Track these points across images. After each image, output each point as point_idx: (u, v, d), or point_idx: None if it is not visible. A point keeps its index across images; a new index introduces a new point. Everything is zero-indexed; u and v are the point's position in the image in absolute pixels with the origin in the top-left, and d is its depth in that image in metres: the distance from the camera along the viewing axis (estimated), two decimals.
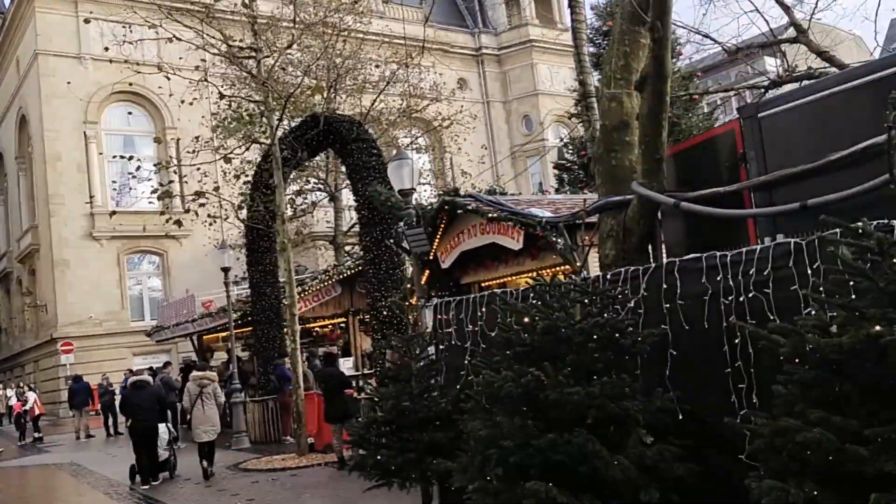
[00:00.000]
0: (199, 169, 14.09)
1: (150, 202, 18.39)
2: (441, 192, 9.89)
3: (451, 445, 6.18)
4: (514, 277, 10.00)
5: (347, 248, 28.60)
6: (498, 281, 10.19)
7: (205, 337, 23.29)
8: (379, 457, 6.10)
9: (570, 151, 29.85)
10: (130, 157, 13.94)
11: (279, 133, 13.55)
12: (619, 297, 4.96)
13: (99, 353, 31.45)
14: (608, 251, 6.66)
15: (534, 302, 4.90)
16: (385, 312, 12.23)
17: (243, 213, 15.35)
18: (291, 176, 15.99)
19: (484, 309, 6.62)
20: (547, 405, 4.35)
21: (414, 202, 10.07)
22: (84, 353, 31.20)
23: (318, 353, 18.53)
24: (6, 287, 42.49)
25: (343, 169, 27.56)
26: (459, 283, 10.89)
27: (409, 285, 11.94)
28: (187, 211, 13.78)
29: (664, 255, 6.73)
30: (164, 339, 25.05)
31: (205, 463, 11.87)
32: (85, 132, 34.37)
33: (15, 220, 39.97)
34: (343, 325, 21.42)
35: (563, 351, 4.63)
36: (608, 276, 5.45)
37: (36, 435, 21.54)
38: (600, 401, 4.29)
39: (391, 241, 9.94)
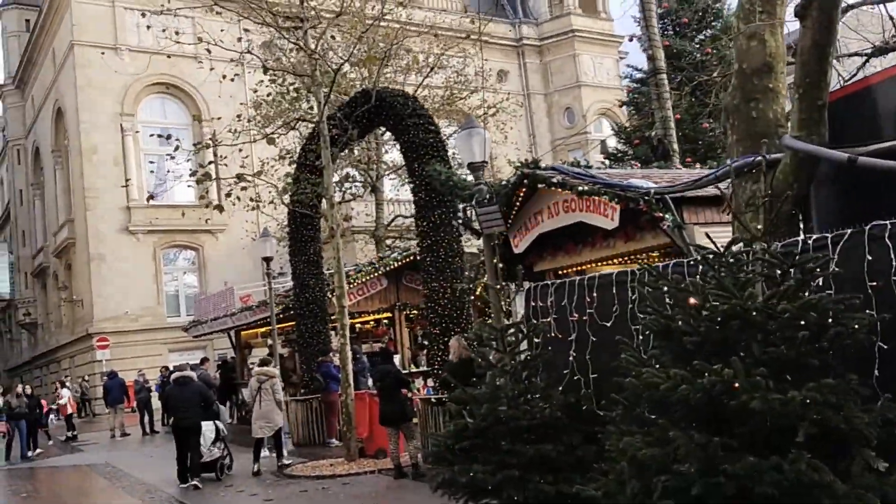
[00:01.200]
0: (240, 150, 13.06)
1: (188, 185, 17.22)
2: (519, 165, 8.67)
3: (561, 461, 5.01)
4: (599, 264, 8.75)
5: (388, 241, 27.59)
6: (580, 267, 8.96)
7: (243, 332, 22.36)
8: (472, 473, 4.93)
9: (622, 140, 28.53)
10: (168, 136, 12.94)
11: (326, 111, 12.48)
12: (821, 269, 3.70)
13: (134, 349, 30.88)
14: (748, 223, 5.41)
15: (708, 278, 3.67)
16: (445, 304, 11.08)
17: (287, 199, 14.30)
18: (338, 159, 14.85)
19: (595, 294, 5.43)
20: (740, 416, 3.14)
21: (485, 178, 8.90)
22: (120, 349, 30.62)
23: (360, 350, 17.51)
24: (42, 282, 42.25)
25: (385, 160, 26.78)
26: (532, 270, 9.68)
27: (470, 273, 10.76)
28: (228, 195, 12.77)
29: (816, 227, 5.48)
30: (201, 334, 24.15)
31: (261, 459, 11.94)
32: (121, 124, 33.86)
33: (51, 215, 39.65)
34: (388, 320, 20.34)
35: (748, 342, 3.42)
36: (779, 248, 4.21)
37: (69, 434, 20.78)
38: (819, 411, 3.06)
39: (459, 221, 8.77)
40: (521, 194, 8.73)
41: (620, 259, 8.32)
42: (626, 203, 7.18)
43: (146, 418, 20.82)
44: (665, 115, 15.66)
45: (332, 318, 12.45)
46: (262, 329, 21.21)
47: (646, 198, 6.94)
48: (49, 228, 40.24)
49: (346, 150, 14.22)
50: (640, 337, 5.06)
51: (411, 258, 18.67)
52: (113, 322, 31.71)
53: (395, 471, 10.24)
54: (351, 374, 12.25)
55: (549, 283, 5.85)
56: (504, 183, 8.92)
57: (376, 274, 18.30)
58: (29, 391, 18.04)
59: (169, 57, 23.58)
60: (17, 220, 47.44)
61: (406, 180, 29.61)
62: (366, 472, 10.97)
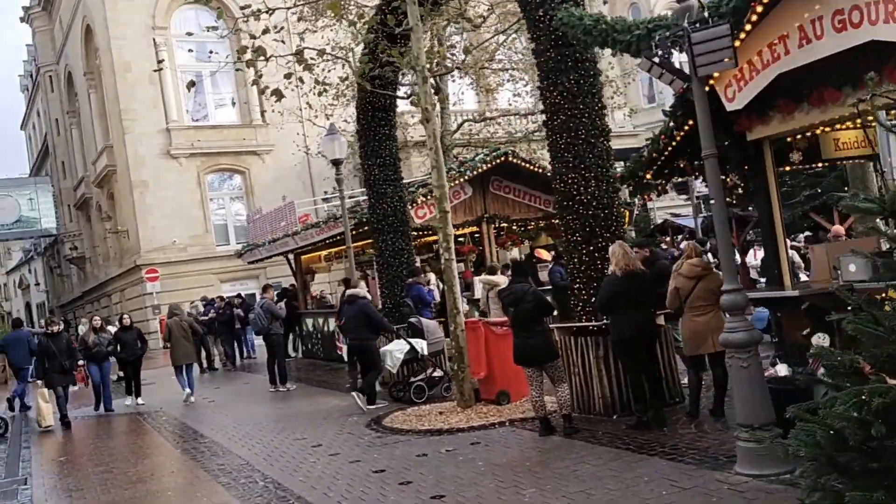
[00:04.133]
0: (299, 18, 10.07)
1: (237, 69, 13.80)
2: None
3: None
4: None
5: (456, 151, 24.57)
6: (838, 126, 5.84)
7: (303, 257, 19.85)
8: None
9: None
10: (208, 1, 10.04)
11: None
12: None
13: (185, 279, 28.91)
14: None
15: None
16: (587, 200, 8.17)
17: (357, 81, 11.31)
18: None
19: None
20: None
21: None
22: (170, 280, 28.69)
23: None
24: (86, 214, 40.44)
25: (453, 49, 23.33)
26: (744, 139, 6.70)
27: (642, 156, 7.77)
28: (288, 76, 9.91)
29: None
30: (258, 259, 21.70)
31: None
32: (154, 39, 31.10)
33: (90, 143, 37.40)
34: (471, 235, 17.59)
35: None
36: None
37: None
38: None
39: (654, 58, 5.70)
40: (761, 8, 5.62)
41: None
42: None
43: (202, 354, 18.60)
44: None
45: (438, 226, 9.67)
46: (326, 251, 18.69)
47: None
48: (88, 157, 38.09)
49: (439, 7, 11.08)
50: None
51: (502, 159, 15.77)
52: (161, 252, 29.71)
53: (542, 425, 7.56)
54: (459, 298, 9.53)
55: None
56: None
57: (460, 179, 15.45)
58: (128, 322, 14.61)
59: None
60: (56, 152, 45.44)
61: (471, 84, 26.59)
62: (493, 424, 8.35)
